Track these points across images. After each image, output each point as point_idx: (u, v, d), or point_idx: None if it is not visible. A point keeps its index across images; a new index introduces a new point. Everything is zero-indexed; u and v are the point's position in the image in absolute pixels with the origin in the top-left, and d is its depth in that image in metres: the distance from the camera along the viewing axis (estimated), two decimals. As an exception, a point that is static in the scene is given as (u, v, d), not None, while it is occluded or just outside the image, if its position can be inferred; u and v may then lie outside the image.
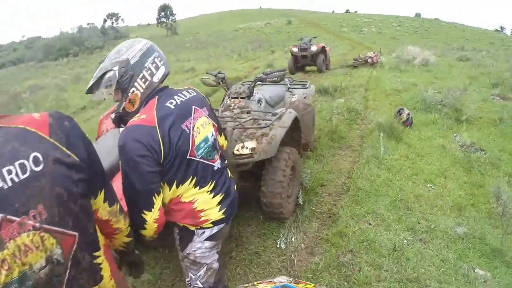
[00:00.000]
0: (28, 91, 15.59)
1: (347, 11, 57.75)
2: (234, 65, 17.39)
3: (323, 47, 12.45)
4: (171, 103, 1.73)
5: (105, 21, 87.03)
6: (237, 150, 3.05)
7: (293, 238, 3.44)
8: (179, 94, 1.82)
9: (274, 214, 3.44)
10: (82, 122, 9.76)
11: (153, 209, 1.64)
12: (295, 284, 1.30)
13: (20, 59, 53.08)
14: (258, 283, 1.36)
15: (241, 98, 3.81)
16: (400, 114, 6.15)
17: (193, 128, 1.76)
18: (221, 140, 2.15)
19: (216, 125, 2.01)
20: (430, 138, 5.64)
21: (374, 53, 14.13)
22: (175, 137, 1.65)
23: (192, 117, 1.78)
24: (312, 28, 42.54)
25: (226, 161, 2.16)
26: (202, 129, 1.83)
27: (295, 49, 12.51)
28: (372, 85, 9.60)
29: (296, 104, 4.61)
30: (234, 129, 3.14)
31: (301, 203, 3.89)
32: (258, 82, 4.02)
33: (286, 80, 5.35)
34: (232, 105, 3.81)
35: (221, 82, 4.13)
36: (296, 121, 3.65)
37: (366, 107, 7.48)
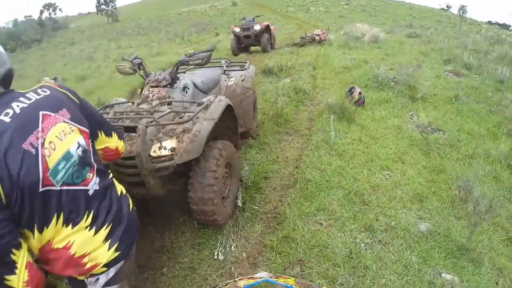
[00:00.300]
0: None
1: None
2: (177, 49, 16.26)
3: (267, 26, 11.71)
4: (7, 114, 1.21)
5: (41, 12, 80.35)
6: (154, 151, 2.52)
7: (232, 247, 2.93)
8: (21, 99, 1.29)
9: (207, 222, 2.91)
10: None
11: (17, 271, 1.17)
12: (275, 279, 1.32)
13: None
14: (240, 279, 1.39)
15: (162, 86, 3.13)
16: (351, 94, 5.59)
17: (42, 144, 1.24)
18: (111, 142, 1.69)
19: (87, 130, 1.45)
20: (384, 118, 5.11)
21: (321, 30, 13.48)
22: (14, 164, 1.15)
23: (39, 129, 1.25)
24: (257, 9, 41.47)
25: (110, 175, 1.61)
26: (58, 142, 1.30)
27: (237, 29, 11.70)
28: (321, 63, 8.96)
29: (233, 88, 4.05)
30: (147, 126, 2.53)
31: (241, 205, 3.25)
32: (182, 67, 3.39)
33: (223, 61, 4.75)
34: (151, 96, 3.08)
35: (137, 69, 3.35)
36: (229, 109, 3.13)
37: (314, 86, 6.83)
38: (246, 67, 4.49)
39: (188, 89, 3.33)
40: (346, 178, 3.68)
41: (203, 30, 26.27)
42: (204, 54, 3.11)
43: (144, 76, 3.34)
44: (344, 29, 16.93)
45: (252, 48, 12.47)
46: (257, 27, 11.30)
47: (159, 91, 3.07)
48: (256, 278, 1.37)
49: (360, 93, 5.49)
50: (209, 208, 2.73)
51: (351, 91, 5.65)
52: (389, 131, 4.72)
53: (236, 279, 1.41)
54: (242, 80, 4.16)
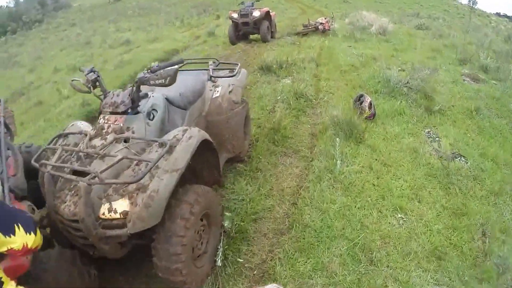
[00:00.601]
0: None
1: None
2: (175, 35, 15.29)
3: (268, 12, 10.67)
4: None
5: (43, -10, 78.17)
6: (103, 213, 2.00)
7: (209, 313, 2.38)
8: None
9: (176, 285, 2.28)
10: None
11: None
12: None
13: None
14: None
15: (120, 113, 2.39)
16: (360, 103, 4.90)
17: None
18: (13, 242, 1.43)
19: None
20: (398, 137, 4.44)
21: (325, 18, 12.49)
22: None
23: None
24: None
25: None
26: None
27: (235, 15, 10.63)
28: (325, 59, 8.19)
29: (218, 102, 3.37)
30: (90, 184, 1.95)
31: (220, 264, 2.64)
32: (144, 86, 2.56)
33: (210, 62, 3.94)
34: (106, 126, 2.38)
35: (92, 87, 2.61)
36: (206, 144, 2.47)
37: (317, 89, 6.10)
38: (236, 72, 3.68)
39: (156, 111, 2.61)
40: (352, 223, 3.06)
41: (204, 12, 25.15)
42: (170, 70, 2.37)
43: (101, 97, 2.61)
44: (350, 17, 16.02)
45: (251, 36, 11.48)
46: (256, 14, 10.26)
47: (115, 120, 2.37)
48: None
49: (370, 103, 4.81)
50: (178, 278, 2.19)
51: (360, 99, 4.96)
52: (403, 155, 4.06)
53: None
54: (230, 92, 3.46)
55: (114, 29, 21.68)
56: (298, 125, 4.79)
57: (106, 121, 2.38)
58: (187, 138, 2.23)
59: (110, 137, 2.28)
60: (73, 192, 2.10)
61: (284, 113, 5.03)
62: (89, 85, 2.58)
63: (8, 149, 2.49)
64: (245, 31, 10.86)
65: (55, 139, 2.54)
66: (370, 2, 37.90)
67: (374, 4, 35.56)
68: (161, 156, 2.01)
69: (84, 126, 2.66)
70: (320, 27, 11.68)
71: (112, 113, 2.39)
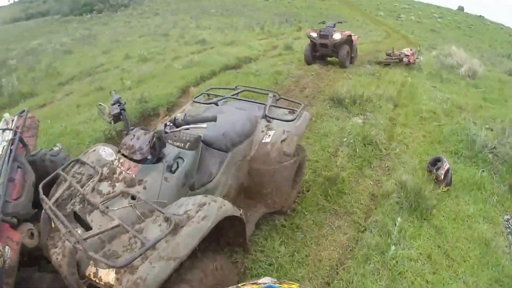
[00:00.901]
0: (16, 57, 13.93)
1: (385, -7, 53.76)
2: (252, 41, 15.18)
3: (349, 36, 10.00)
4: None
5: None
6: (89, 274, 1.77)
7: None
8: None
9: None
10: (65, 96, 8.19)
11: None
12: (279, 285, 1.33)
13: (48, 11, 51.31)
14: (243, 285, 1.42)
15: (135, 161, 2.06)
16: (436, 169, 4.28)
17: None
18: None
19: None
20: (470, 219, 3.77)
21: (411, 50, 11.59)
22: None
23: None
24: (346, 7, 38.89)
25: None
26: None
27: (314, 34, 10.05)
28: (405, 99, 7.52)
29: (267, 149, 2.95)
30: (75, 246, 1.74)
31: None
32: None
33: (270, 95, 3.54)
34: (118, 171, 2.08)
35: (113, 122, 2.31)
36: (228, 219, 2.06)
37: (390, 137, 5.53)
38: (296, 116, 3.20)
39: (183, 161, 2.24)
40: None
41: (285, 21, 24.90)
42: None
43: (124, 132, 2.29)
44: (437, 50, 14.92)
45: (329, 58, 10.86)
46: (337, 36, 9.67)
47: (128, 168, 2.04)
48: (259, 283, 1.37)
49: (448, 170, 4.18)
50: None
51: (436, 164, 4.34)
52: (472, 246, 3.41)
53: (239, 285, 1.42)
54: (283, 141, 3.00)
55: (194, 26, 22.14)
56: (359, 179, 4.28)
57: (120, 165, 2.09)
58: (200, 218, 1.82)
59: (118, 187, 2.00)
60: (63, 240, 1.89)
61: (346, 160, 4.55)
62: (110, 119, 2.30)
63: (19, 167, 2.38)
64: (322, 52, 10.35)
65: (72, 163, 2.38)
66: (459, 35, 35.69)
67: (463, 37, 33.41)
68: (160, 239, 1.66)
69: (105, 154, 2.46)
70: (405, 59, 10.90)
71: (127, 157, 2.08)
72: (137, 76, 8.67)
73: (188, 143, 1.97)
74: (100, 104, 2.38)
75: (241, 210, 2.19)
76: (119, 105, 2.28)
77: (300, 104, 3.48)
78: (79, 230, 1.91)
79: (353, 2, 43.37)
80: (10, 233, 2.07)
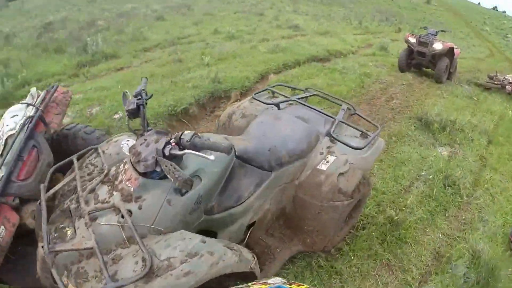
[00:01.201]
0: (107, 18, 14.14)
1: (494, 8, 47.65)
2: (346, 35, 14.19)
3: (452, 49, 8.81)
4: None
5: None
6: (65, 286, 1.47)
7: None
8: None
9: None
10: (144, 62, 8.12)
11: None
12: (289, 286, 1.29)
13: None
14: (253, 284, 1.35)
15: (138, 172, 1.64)
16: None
17: None
18: None
19: None
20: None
21: None
22: None
23: None
24: (452, 15, 35.13)
25: None
26: None
27: (412, 40, 8.98)
28: (502, 135, 6.35)
29: (319, 180, 2.37)
30: (51, 252, 1.47)
31: None
32: (188, 150, 1.64)
33: (344, 107, 2.99)
34: (118, 179, 1.70)
35: (131, 117, 1.88)
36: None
37: (476, 181, 4.59)
38: (367, 143, 2.58)
39: (200, 180, 1.78)
40: None
41: (386, 20, 23.21)
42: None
43: (141, 131, 1.85)
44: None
45: (425, 69, 9.65)
46: (437, 46, 8.51)
47: (129, 179, 1.65)
48: (269, 283, 1.31)
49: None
50: None
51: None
52: None
53: (249, 284, 1.33)
54: (341, 175, 2.38)
55: (291, 9, 21.34)
56: (427, 228, 3.55)
57: (123, 172, 1.70)
58: (182, 272, 1.40)
59: (114, 198, 1.65)
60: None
61: (418, 200, 3.84)
62: (127, 114, 1.88)
63: (35, 146, 2.25)
64: (419, 61, 9.22)
65: (89, 151, 2.13)
66: None
67: None
68: (122, 286, 1.32)
69: (126, 148, 2.10)
70: (508, 87, 9.30)
71: (132, 166, 1.67)
72: (218, 54, 8.35)
73: (180, 181, 1.49)
74: (126, 92, 1.97)
75: (255, 259, 1.72)
76: (139, 99, 1.85)
77: (377, 127, 2.86)
78: (69, 231, 1.64)
79: (460, 11, 39.54)
80: (8, 213, 2.03)
